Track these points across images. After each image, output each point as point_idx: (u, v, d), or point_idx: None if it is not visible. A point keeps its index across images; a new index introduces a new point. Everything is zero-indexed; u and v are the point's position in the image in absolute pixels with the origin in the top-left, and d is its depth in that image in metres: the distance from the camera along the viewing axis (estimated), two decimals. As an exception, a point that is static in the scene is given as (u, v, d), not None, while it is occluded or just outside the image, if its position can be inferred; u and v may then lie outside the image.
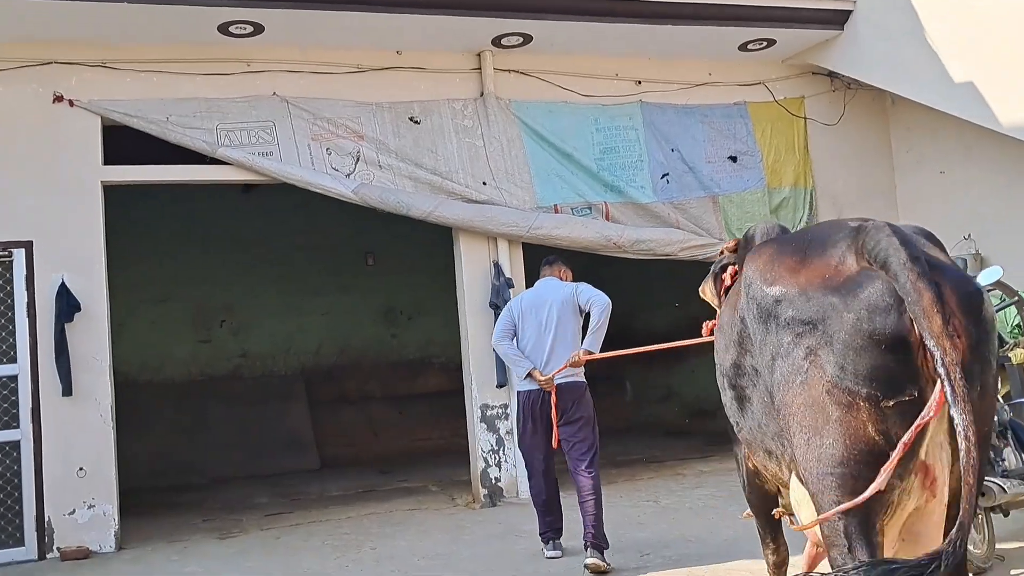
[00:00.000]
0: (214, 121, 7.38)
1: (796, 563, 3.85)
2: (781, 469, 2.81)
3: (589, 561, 5.22)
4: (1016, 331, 7.55)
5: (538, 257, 6.30)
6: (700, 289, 3.98)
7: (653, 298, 12.66)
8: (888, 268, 2.37)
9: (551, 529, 5.71)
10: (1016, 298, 7.56)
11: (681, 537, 5.96)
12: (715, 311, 3.68)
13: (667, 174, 8.56)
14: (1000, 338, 7.60)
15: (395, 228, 12.13)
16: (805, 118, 9.18)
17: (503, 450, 7.87)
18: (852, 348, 2.36)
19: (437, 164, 7.89)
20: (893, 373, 2.34)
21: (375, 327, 12.93)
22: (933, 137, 9.17)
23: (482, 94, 8.11)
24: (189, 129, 7.28)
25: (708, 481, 7.88)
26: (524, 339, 5.70)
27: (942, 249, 2.70)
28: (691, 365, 12.29)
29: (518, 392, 5.98)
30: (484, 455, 7.82)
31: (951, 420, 2.26)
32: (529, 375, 5.63)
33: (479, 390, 7.86)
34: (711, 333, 3.62)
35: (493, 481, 7.80)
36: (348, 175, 7.68)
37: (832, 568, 2.41)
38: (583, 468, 5.46)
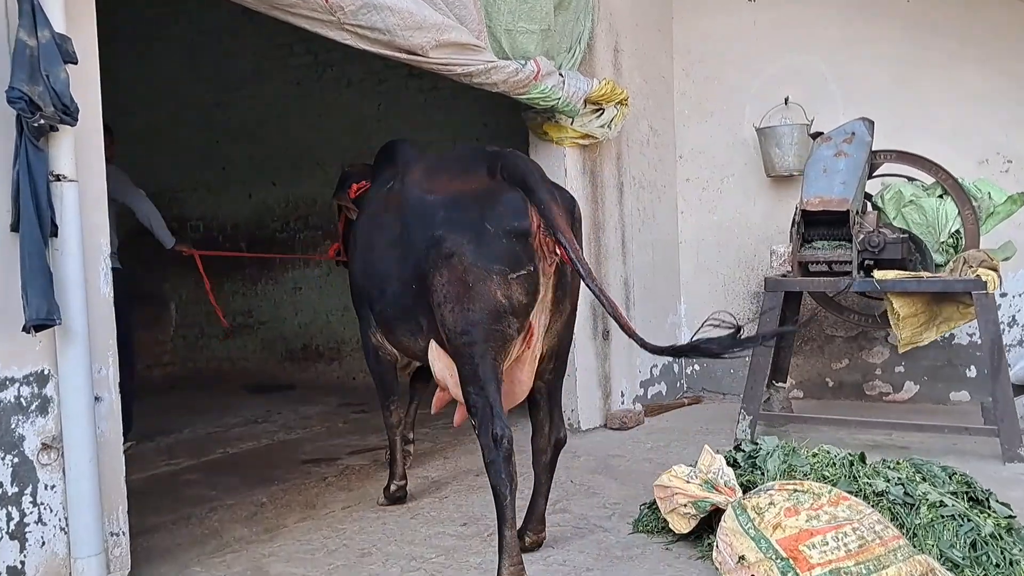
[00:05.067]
0: None
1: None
2: (418, 341, 3.37)
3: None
4: (955, 240, 4.88)
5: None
6: (334, 199, 4.19)
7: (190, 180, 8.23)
8: (526, 185, 3.02)
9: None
10: (947, 182, 4.85)
11: None
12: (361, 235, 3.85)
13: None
14: (926, 252, 4.88)
15: None
16: None
17: (40, 491, 2.96)
18: (491, 238, 2.96)
19: None
20: (518, 255, 2.97)
21: None
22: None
23: None
24: None
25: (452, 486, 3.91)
26: None
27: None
28: (293, 280, 7.91)
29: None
30: (-19, 508, 2.83)
31: (553, 291, 3.10)
32: None
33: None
34: (336, 254, 4.51)
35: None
36: None
37: (467, 403, 3.04)
38: None
